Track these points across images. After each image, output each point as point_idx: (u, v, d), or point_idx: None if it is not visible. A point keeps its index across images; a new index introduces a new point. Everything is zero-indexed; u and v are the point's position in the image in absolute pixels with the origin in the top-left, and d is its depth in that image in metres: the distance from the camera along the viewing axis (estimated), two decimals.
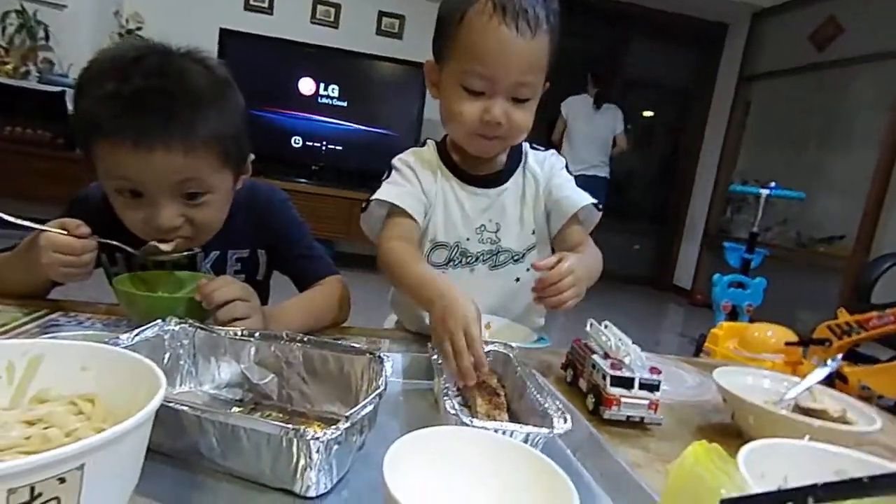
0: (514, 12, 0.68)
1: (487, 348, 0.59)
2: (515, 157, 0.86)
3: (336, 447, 0.37)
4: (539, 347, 0.76)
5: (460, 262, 0.83)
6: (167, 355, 0.51)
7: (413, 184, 0.80)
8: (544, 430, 0.43)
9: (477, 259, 0.83)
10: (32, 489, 0.24)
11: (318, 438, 0.35)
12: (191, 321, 0.53)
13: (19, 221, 0.63)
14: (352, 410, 0.38)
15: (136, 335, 0.48)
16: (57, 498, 0.25)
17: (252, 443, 0.37)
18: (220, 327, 0.53)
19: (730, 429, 0.59)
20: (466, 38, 0.71)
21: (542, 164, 0.86)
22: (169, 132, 0.60)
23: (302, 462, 0.36)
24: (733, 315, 2.42)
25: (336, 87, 3.61)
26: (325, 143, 3.64)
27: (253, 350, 0.51)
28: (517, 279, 0.84)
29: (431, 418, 0.53)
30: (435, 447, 0.35)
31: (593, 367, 0.62)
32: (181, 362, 0.52)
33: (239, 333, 0.52)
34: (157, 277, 0.72)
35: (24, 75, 3.04)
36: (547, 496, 0.33)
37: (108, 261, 0.76)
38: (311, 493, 0.38)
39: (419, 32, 3.82)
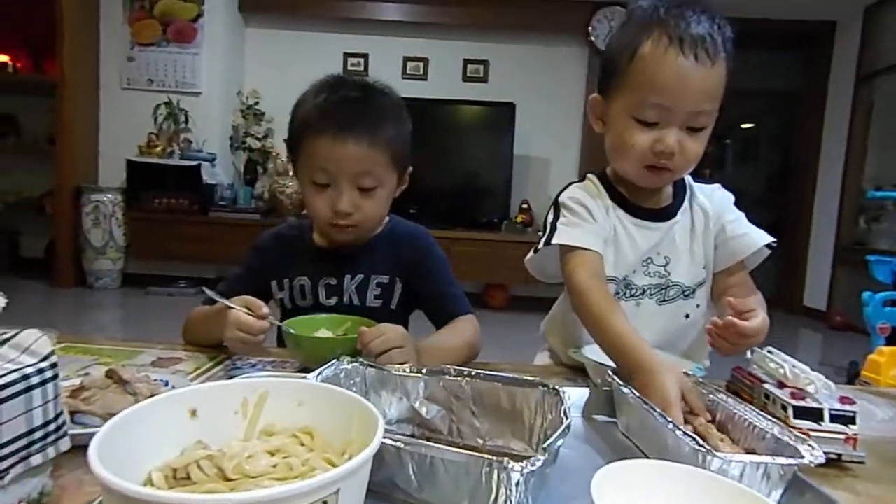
0: (692, 42, 0.68)
1: None
2: (682, 191, 0.85)
3: (533, 480, 0.37)
4: (693, 375, 0.71)
5: (625, 294, 0.82)
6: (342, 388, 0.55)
7: (591, 221, 0.79)
8: (792, 461, 0.41)
9: (644, 293, 0.82)
10: None
11: (518, 471, 0.36)
12: (362, 360, 0.57)
13: (219, 299, 0.74)
14: (548, 443, 0.38)
15: (319, 374, 0.53)
16: None
17: (450, 475, 0.39)
18: (390, 365, 0.56)
19: None
20: (641, 72, 0.71)
21: (711, 197, 0.85)
22: (358, 130, 0.78)
23: (502, 495, 0.37)
24: (893, 338, 2.09)
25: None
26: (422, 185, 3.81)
27: (422, 385, 0.54)
28: (687, 315, 0.82)
29: (614, 453, 0.52)
30: (640, 481, 0.35)
31: (766, 397, 0.57)
32: None
33: (408, 370, 0.55)
34: (318, 321, 0.79)
35: (170, 155, 3.59)
36: None
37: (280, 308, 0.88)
38: None
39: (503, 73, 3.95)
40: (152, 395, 0.52)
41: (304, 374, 0.55)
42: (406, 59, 4.02)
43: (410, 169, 0.89)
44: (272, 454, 0.37)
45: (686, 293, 0.82)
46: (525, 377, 0.50)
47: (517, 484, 0.37)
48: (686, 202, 0.84)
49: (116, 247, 3.57)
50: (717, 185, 0.87)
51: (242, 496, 0.27)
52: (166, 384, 0.59)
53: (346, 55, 4.02)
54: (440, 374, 0.53)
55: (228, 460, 0.35)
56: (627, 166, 0.78)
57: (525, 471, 0.36)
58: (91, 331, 2.85)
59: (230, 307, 0.72)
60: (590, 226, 0.79)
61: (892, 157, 3.59)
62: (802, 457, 0.42)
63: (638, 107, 0.72)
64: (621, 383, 0.55)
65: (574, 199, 0.82)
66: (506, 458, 0.37)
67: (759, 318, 0.65)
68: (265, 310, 0.72)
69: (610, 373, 0.58)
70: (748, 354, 0.63)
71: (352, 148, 0.78)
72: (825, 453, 0.50)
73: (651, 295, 0.82)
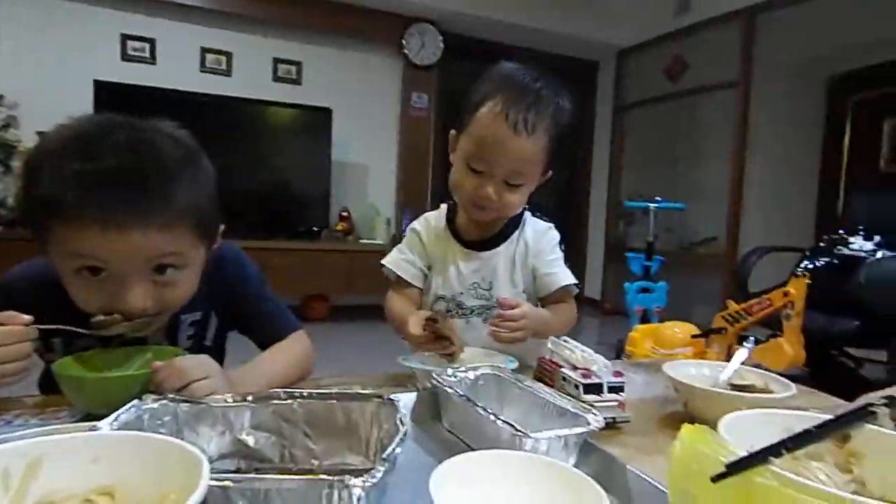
0: (515, 114, 0.81)
1: (479, 372, 0.66)
2: (513, 224, 0.98)
3: (373, 493, 0.38)
4: (509, 368, 0.81)
5: (457, 313, 0.96)
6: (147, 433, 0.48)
7: (414, 252, 0.98)
8: (580, 430, 0.49)
9: (472, 312, 0.96)
10: None
11: (360, 485, 0.36)
12: (171, 396, 0.50)
13: None
14: (386, 453, 0.39)
15: (116, 419, 0.45)
16: None
17: None
18: (211, 397, 0.51)
19: (683, 415, 0.67)
20: (476, 127, 0.84)
21: (537, 235, 0.98)
22: (144, 210, 0.58)
23: None
24: (644, 318, 2.67)
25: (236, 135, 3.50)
26: (232, 193, 3.48)
27: (248, 415, 0.50)
28: None
29: (443, 450, 0.55)
30: (471, 472, 0.38)
31: (564, 379, 0.67)
32: None
33: (229, 400, 0.50)
34: (99, 357, 0.65)
35: None
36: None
37: (43, 347, 0.69)
38: None
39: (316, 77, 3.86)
40: None
41: (89, 423, 0.46)
42: (205, 51, 3.62)
43: (222, 227, 0.73)
44: None
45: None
46: (359, 391, 0.50)
47: (359, 499, 0.37)
48: (515, 234, 0.97)
49: None
50: (550, 226, 1.02)
51: None
52: None
53: (126, 37, 3.42)
54: (268, 400, 0.50)
55: None
56: (460, 201, 0.94)
57: (366, 484, 0.37)
58: None
59: None
60: (410, 255, 0.98)
61: (640, 175, 4.59)
62: (589, 424, 0.51)
63: (470, 156, 0.86)
64: (445, 383, 0.59)
65: (413, 228, 1.01)
66: (346, 476, 0.36)
67: (520, 308, 0.83)
68: (24, 317, 0.57)
69: (434, 375, 0.62)
70: (549, 345, 0.74)
71: (137, 238, 0.58)
72: (605, 418, 0.63)
73: (478, 314, 0.96)
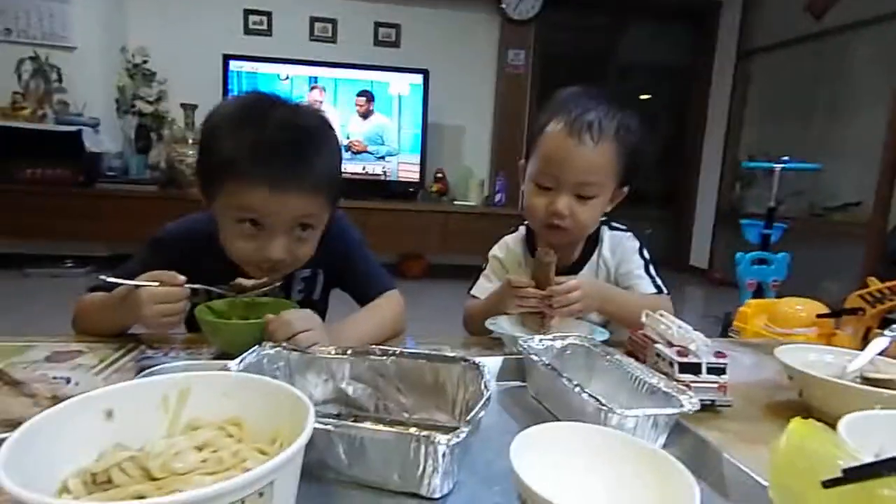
0: (578, 126, 0.82)
1: (567, 342, 0.66)
2: (591, 245, 0.96)
3: (457, 450, 0.40)
4: (599, 339, 0.79)
5: None
6: (267, 377, 0.55)
7: (499, 279, 0.96)
8: (674, 410, 0.47)
9: None
10: (242, 502, 0.28)
11: (445, 443, 0.39)
12: (283, 344, 0.57)
13: (122, 282, 0.69)
14: (470, 416, 0.41)
15: (242, 361, 0.52)
16: None
17: (380, 452, 0.41)
18: (314, 347, 0.56)
19: (797, 405, 0.62)
20: (542, 146, 0.86)
21: (616, 249, 0.95)
22: (300, 175, 0.70)
23: (430, 466, 0.40)
24: (759, 292, 2.43)
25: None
26: None
27: (347, 366, 0.55)
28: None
29: (527, 417, 0.57)
30: (552, 442, 0.39)
31: (658, 356, 0.65)
32: None
33: (333, 352, 0.55)
34: (232, 305, 0.76)
35: (41, 118, 3.12)
36: (664, 487, 0.36)
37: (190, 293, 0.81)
38: (436, 495, 0.41)
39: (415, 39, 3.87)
40: (54, 396, 0.48)
41: (223, 361, 0.53)
42: (314, 20, 3.78)
43: (340, 199, 0.83)
44: (200, 449, 0.36)
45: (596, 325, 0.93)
46: (446, 353, 0.53)
47: (443, 455, 0.39)
48: (594, 256, 0.96)
49: None
50: (629, 234, 0.97)
51: (182, 497, 0.26)
52: (68, 381, 0.55)
53: (247, 12, 3.70)
54: (365, 355, 0.54)
55: (153, 459, 0.34)
56: (534, 226, 0.93)
57: (451, 443, 0.39)
58: None
59: (141, 285, 0.67)
60: (495, 283, 0.97)
61: (764, 131, 4.06)
62: (682, 405, 0.49)
63: (537, 174, 0.87)
64: (531, 352, 0.60)
65: (494, 255, 1.02)
66: (432, 433, 0.39)
67: (573, 283, 0.81)
68: (180, 277, 0.68)
69: (520, 342, 0.63)
70: (643, 318, 0.71)
71: (294, 199, 0.70)
72: (702, 400, 0.60)
73: None
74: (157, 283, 0.67)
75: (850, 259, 3.14)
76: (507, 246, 1.01)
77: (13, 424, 0.33)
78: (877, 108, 3.17)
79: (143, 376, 0.56)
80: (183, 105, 3.36)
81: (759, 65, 4.07)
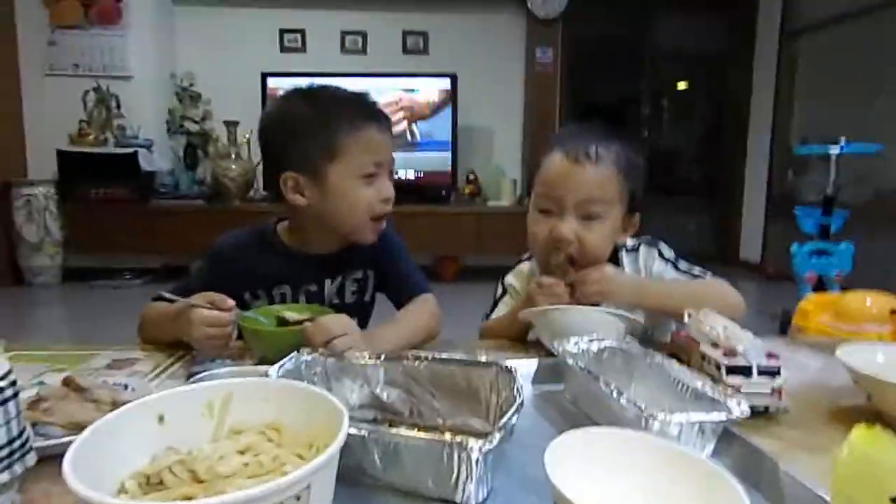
0: (575, 151, 0.81)
1: (604, 344, 0.64)
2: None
3: (491, 456, 0.40)
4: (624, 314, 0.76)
5: None
6: (305, 383, 0.56)
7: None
8: (722, 416, 0.45)
9: None
10: None
11: (478, 450, 0.38)
12: (320, 350, 0.58)
13: (180, 299, 0.73)
14: (503, 421, 0.41)
15: (281, 367, 0.54)
16: None
17: (414, 458, 0.41)
18: (349, 353, 0.57)
19: (864, 410, 0.57)
20: (541, 174, 0.85)
21: (639, 266, 0.90)
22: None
23: (463, 472, 0.39)
24: (819, 286, 2.28)
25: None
26: None
27: (382, 372, 0.55)
28: None
29: (564, 421, 0.55)
30: (589, 448, 0.38)
31: (703, 358, 0.62)
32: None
33: (367, 358, 0.56)
34: (273, 313, 0.78)
35: (103, 143, 3.39)
36: (711, 499, 0.34)
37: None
38: (472, 502, 0.41)
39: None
40: (113, 401, 0.52)
41: (264, 367, 0.55)
42: (344, 34, 3.88)
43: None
44: (242, 453, 0.38)
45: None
46: (479, 359, 0.52)
47: (477, 462, 0.39)
48: None
49: (53, 241, 3.36)
50: (642, 246, 0.91)
51: (226, 498, 0.28)
52: (125, 388, 0.58)
53: (283, 31, 3.86)
54: (398, 360, 0.55)
55: (200, 462, 0.35)
56: (538, 257, 0.90)
57: (484, 449, 0.39)
58: (33, 329, 2.71)
59: (193, 305, 0.71)
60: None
61: (817, 113, 3.81)
62: (731, 412, 0.46)
63: (539, 199, 0.85)
64: (566, 356, 0.59)
65: (509, 283, 0.98)
66: (465, 439, 0.39)
67: (598, 270, 0.80)
68: (230, 302, 0.71)
69: (555, 345, 0.61)
70: (685, 318, 0.68)
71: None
72: (753, 406, 0.56)
73: None
74: (209, 306, 0.70)
75: None
76: (523, 273, 0.98)
77: (79, 427, 0.37)
78: None
79: (191, 382, 0.59)
80: (226, 122, 3.53)
81: (807, 44, 3.83)
